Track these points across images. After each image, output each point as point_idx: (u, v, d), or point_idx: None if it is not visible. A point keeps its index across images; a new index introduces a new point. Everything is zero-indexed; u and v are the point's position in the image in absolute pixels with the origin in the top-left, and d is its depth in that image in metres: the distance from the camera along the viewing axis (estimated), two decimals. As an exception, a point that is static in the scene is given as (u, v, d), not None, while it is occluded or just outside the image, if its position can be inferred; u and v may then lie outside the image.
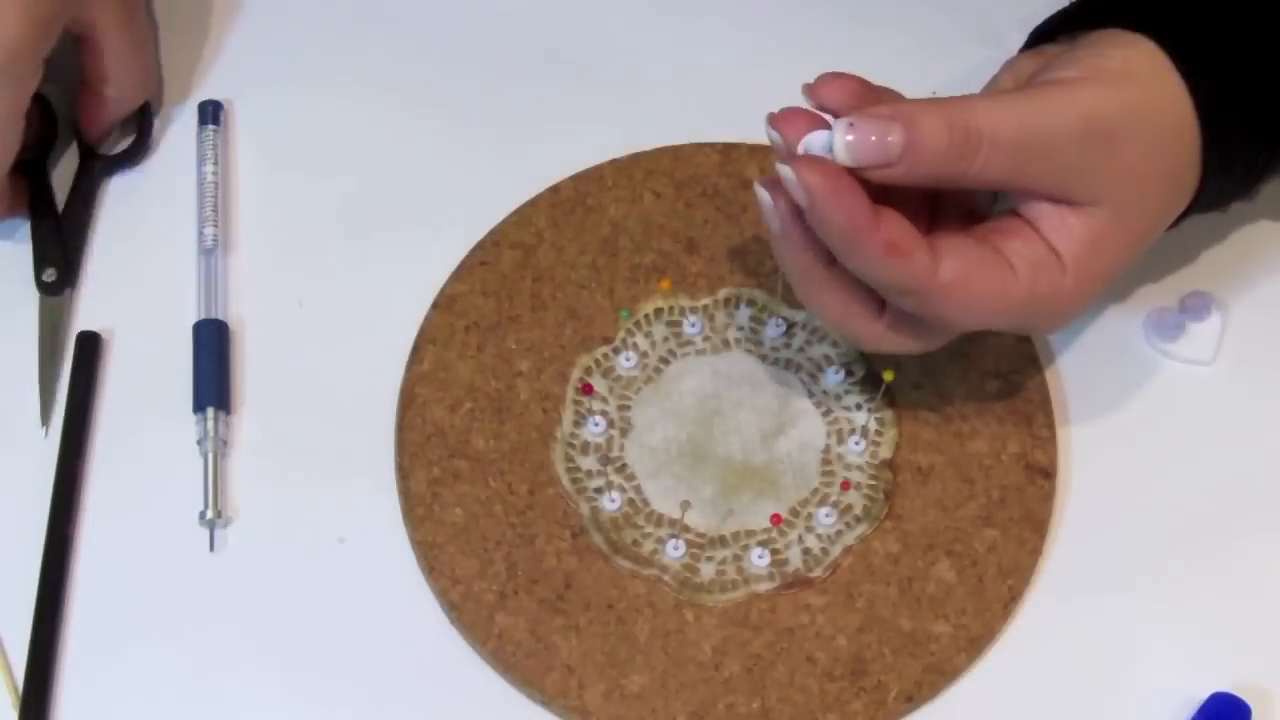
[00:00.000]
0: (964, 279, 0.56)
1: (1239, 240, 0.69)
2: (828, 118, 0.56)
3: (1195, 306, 0.67)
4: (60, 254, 0.68)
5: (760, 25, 0.74)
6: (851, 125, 0.55)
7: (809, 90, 0.57)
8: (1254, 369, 0.67)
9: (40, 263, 0.68)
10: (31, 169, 0.70)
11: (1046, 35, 0.63)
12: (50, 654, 0.62)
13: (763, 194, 0.57)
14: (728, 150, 0.70)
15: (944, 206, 0.60)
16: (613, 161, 0.70)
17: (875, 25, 0.74)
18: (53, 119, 0.71)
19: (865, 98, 0.57)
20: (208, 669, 0.62)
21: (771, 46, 0.74)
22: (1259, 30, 0.60)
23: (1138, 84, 0.58)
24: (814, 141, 0.56)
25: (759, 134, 0.70)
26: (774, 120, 0.57)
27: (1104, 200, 0.57)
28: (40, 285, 0.68)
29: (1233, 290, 0.68)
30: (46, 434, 0.65)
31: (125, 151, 0.71)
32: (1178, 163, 0.59)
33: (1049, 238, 0.57)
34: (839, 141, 0.55)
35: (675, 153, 0.70)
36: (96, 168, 0.71)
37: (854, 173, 0.55)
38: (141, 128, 0.71)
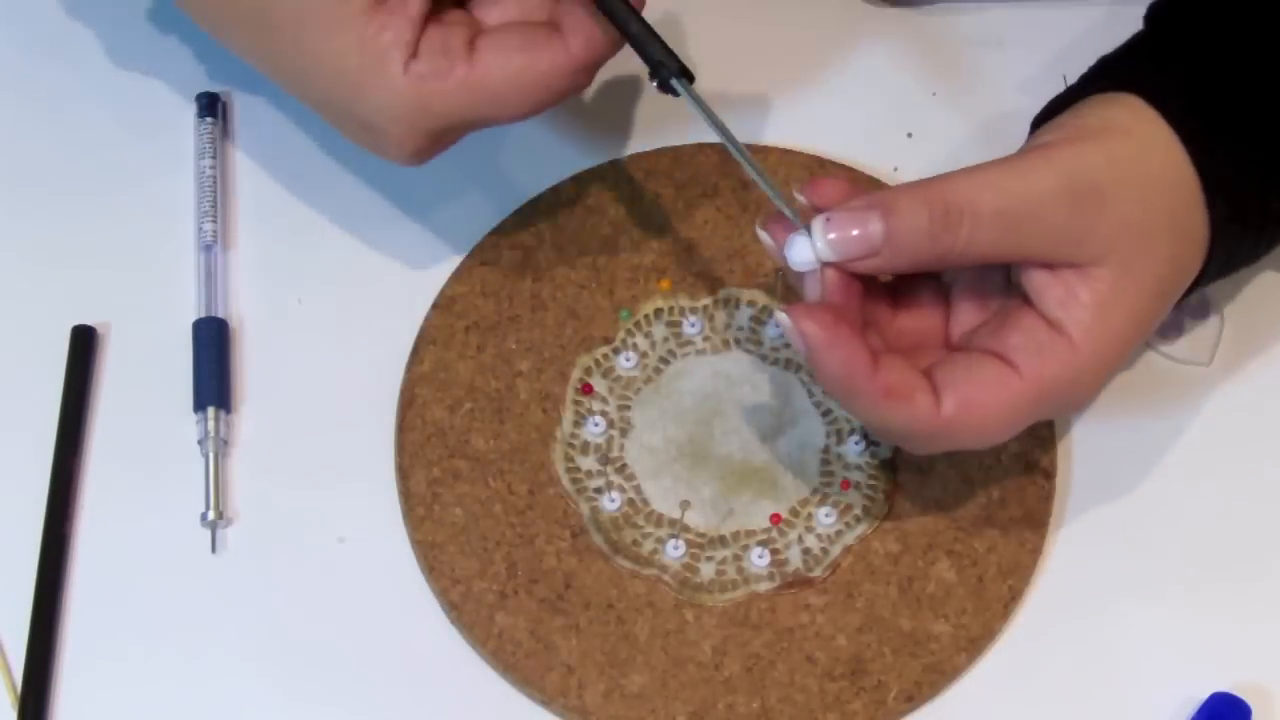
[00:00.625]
0: (966, 408, 0.56)
1: (1238, 240, 0.69)
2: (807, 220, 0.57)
3: (1194, 307, 0.67)
4: None
5: (760, 26, 0.74)
6: (829, 221, 0.56)
7: (802, 190, 0.58)
8: (1252, 370, 0.67)
9: None
10: None
11: (1045, 119, 0.61)
12: (49, 654, 0.61)
13: (786, 321, 0.56)
14: (728, 150, 0.70)
15: (957, 294, 0.60)
16: (613, 161, 0.70)
17: (876, 25, 0.74)
18: None
19: (853, 194, 0.57)
20: (208, 669, 0.62)
21: (772, 47, 0.74)
22: (1249, 77, 0.59)
23: (1120, 135, 0.57)
24: (796, 245, 0.56)
25: (759, 134, 0.71)
26: (765, 224, 0.58)
27: (1105, 258, 0.56)
28: None
29: (1232, 290, 0.68)
30: None
31: None
32: (1178, 211, 0.57)
33: (1054, 313, 0.56)
34: (819, 239, 0.56)
35: (675, 153, 0.70)
36: None
37: (848, 272, 0.56)
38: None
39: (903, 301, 0.60)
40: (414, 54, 0.59)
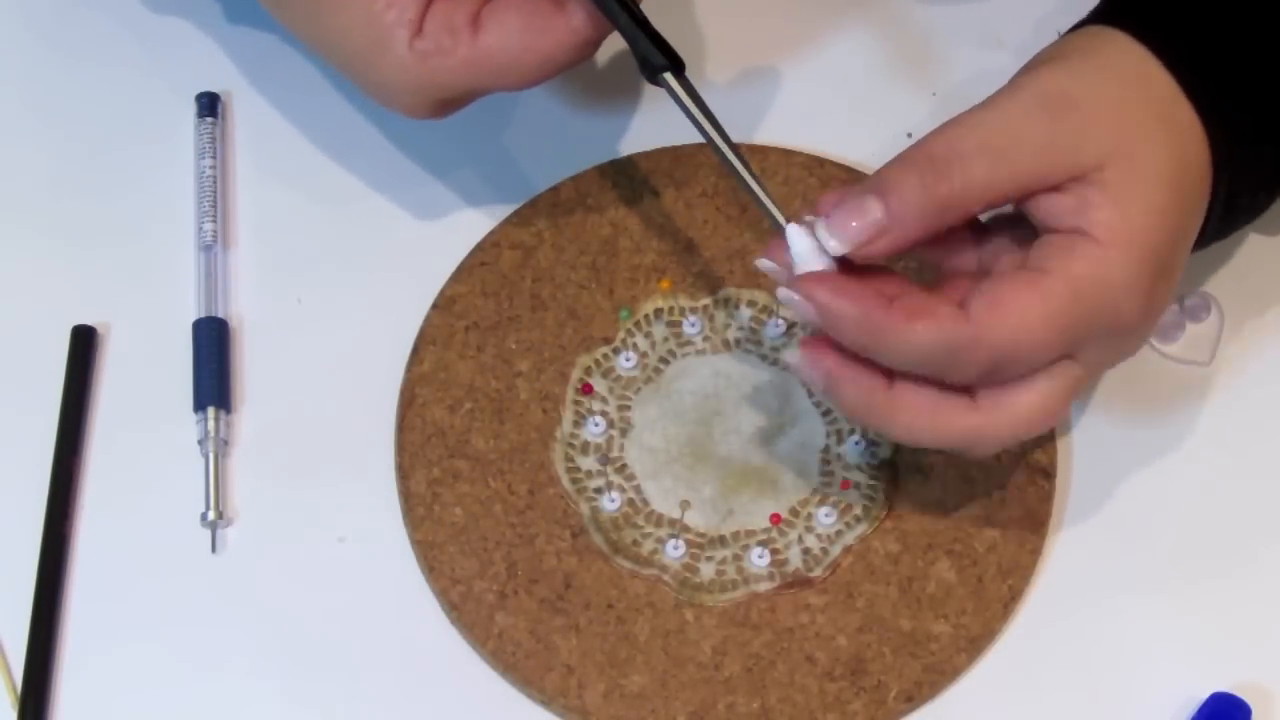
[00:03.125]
0: (996, 307, 0.54)
1: (1238, 240, 0.69)
2: (807, 219, 0.56)
3: (1194, 307, 0.68)
4: None
5: (761, 25, 0.74)
6: (829, 217, 0.56)
7: (814, 211, 0.57)
8: (1253, 370, 0.67)
9: None
10: None
11: None
12: (49, 654, 0.61)
13: (796, 359, 0.56)
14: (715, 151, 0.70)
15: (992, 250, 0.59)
16: (613, 161, 0.70)
17: (876, 24, 0.74)
18: None
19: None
20: (208, 669, 0.62)
21: (772, 47, 0.74)
22: (1232, 16, 0.59)
23: (1080, 52, 0.57)
24: (801, 245, 0.56)
25: (759, 134, 0.71)
26: (765, 252, 0.57)
27: (1104, 158, 0.55)
28: None
29: (1231, 291, 0.68)
30: None
31: None
32: (1162, 105, 0.57)
33: (1072, 223, 0.55)
34: (824, 234, 0.56)
35: (675, 153, 0.70)
36: None
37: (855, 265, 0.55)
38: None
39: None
40: (419, 31, 0.60)
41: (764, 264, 0.58)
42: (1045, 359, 0.56)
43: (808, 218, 0.57)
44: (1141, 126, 0.56)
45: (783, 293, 0.56)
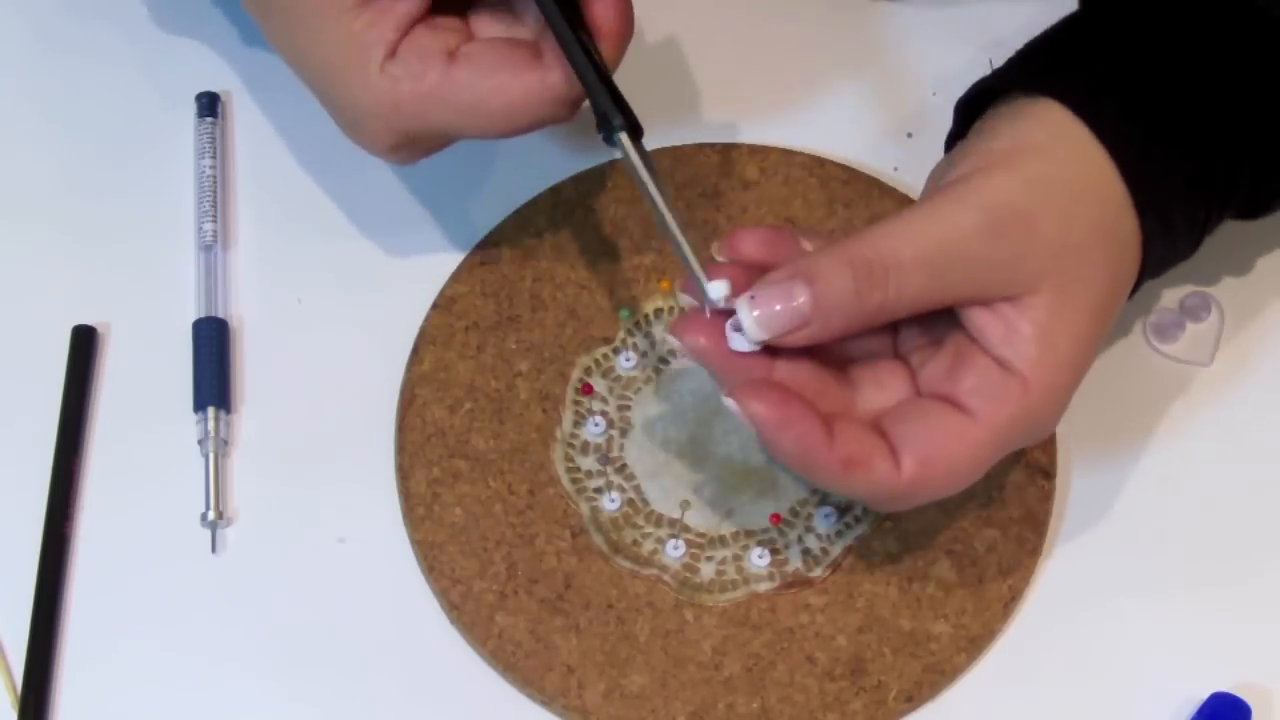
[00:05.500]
0: (928, 465, 0.55)
1: (1238, 241, 0.69)
2: (730, 299, 0.55)
3: (1194, 307, 0.68)
4: None
5: (761, 25, 0.74)
6: (753, 299, 0.55)
7: (722, 247, 0.57)
8: (1253, 369, 0.67)
9: None
10: None
11: (971, 108, 0.60)
12: (50, 654, 0.62)
13: (733, 406, 0.55)
14: (727, 150, 0.70)
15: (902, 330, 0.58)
16: (613, 161, 0.70)
17: (876, 25, 0.74)
18: None
19: (776, 244, 0.57)
20: (208, 669, 0.62)
21: (772, 47, 0.74)
22: (1165, 68, 0.57)
23: (1034, 155, 0.56)
24: (730, 335, 0.55)
25: (759, 134, 0.71)
26: (673, 328, 0.56)
27: (1040, 284, 0.54)
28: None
29: (1232, 291, 0.68)
30: None
31: None
32: (1106, 220, 0.56)
33: (999, 352, 0.55)
34: (746, 320, 0.55)
35: (675, 153, 0.70)
36: None
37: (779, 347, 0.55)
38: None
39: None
40: (393, 54, 0.59)
41: (670, 340, 0.56)
42: (964, 488, 0.56)
43: (736, 300, 0.55)
44: (1079, 253, 0.55)
45: (727, 402, 0.55)
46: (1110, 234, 0.56)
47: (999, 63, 0.60)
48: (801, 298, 0.54)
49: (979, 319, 0.55)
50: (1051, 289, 0.55)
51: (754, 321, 0.55)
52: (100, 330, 0.67)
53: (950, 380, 0.56)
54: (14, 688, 0.61)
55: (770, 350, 0.56)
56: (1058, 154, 0.56)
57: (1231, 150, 0.58)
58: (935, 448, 0.55)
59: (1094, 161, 0.56)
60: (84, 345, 0.67)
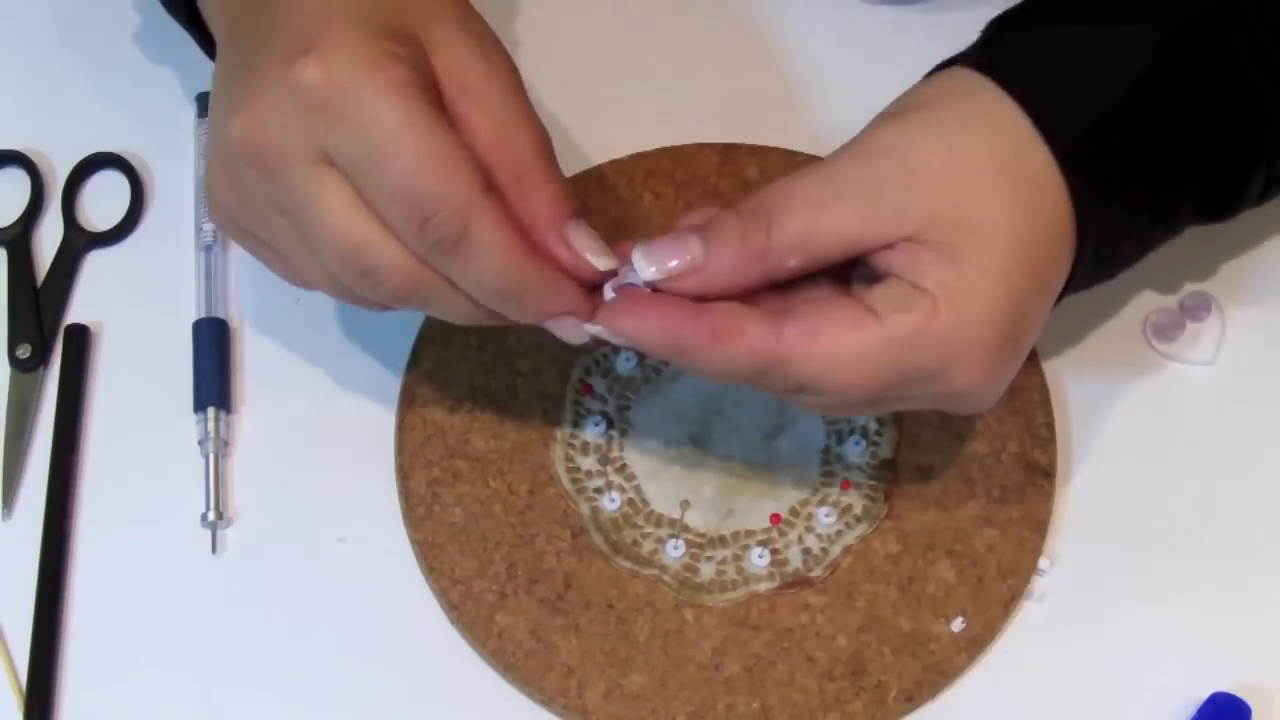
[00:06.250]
0: (811, 336, 0.53)
1: (1238, 240, 0.69)
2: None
3: (1195, 307, 0.67)
4: (38, 331, 0.67)
5: (762, 28, 0.74)
6: (649, 245, 0.55)
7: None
8: (1254, 369, 0.67)
9: (14, 338, 0.67)
10: (16, 242, 0.69)
11: None
12: (53, 654, 0.62)
13: (597, 329, 0.55)
14: (728, 150, 0.70)
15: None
16: (613, 161, 0.70)
17: (876, 25, 0.74)
18: (39, 185, 0.70)
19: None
20: (208, 669, 0.62)
21: (773, 49, 0.74)
22: (1086, 40, 0.57)
23: (927, 103, 0.56)
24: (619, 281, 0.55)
25: (759, 134, 0.71)
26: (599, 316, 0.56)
27: (935, 216, 0.53)
28: (14, 361, 0.66)
29: (1233, 290, 0.68)
30: (8, 516, 0.64)
31: (114, 229, 0.69)
32: (1005, 151, 0.55)
33: (909, 276, 0.53)
34: (639, 258, 0.55)
35: (675, 153, 0.70)
36: (79, 243, 0.69)
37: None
38: (132, 204, 0.70)
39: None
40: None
41: (592, 329, 0.56)
42: (855, 398, 0.54)
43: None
44: (973, 183, 0.54)
45: (589, 328, 0.55)
46: (1009, 166, 0.54)
47: None
48: (694, 246, 0.54)
49: (886, 257, 0.54)
50: (945, 223, 0.53)
51: (647, 261, 0.55)
52: (101, 330, 0.67)
53: (866, 293, 0.54)
54: (19, 687, 0.61)
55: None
56: (949, 99, 0.56)
57: (1149, 93, 0.56)
58: (824, 322, 0.53)
59: (988, 104, 0.55)
60: (77, 343, 0.67)
